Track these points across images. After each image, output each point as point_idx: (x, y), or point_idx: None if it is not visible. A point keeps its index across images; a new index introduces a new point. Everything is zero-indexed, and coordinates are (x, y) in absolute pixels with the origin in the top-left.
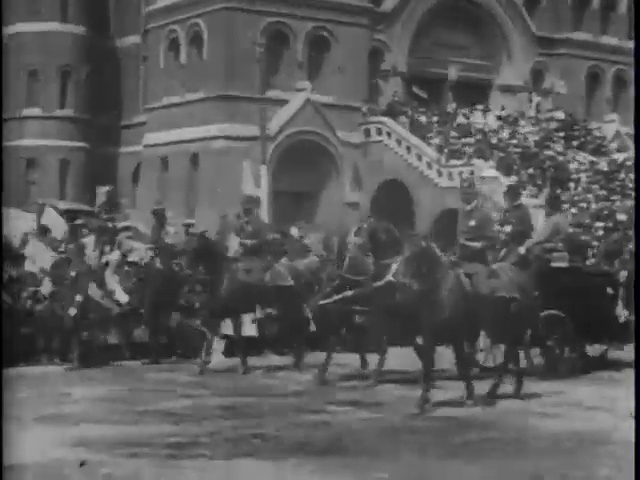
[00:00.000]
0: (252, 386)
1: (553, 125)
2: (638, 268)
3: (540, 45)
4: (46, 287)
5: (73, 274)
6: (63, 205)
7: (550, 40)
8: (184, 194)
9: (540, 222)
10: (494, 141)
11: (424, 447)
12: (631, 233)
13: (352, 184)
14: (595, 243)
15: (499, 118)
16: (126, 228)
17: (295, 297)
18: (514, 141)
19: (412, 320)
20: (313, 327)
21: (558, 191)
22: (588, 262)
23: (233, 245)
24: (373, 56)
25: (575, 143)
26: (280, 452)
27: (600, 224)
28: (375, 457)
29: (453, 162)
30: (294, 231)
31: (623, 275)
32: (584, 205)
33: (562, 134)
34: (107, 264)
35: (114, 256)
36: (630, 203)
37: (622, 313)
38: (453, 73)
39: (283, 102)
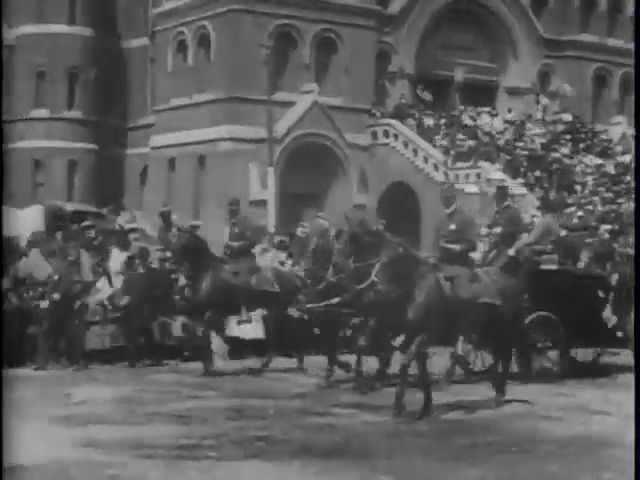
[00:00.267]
0: (258, 388)
1: (560, 127)
2: (638, 268)
3: (547, 47)
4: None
5: (56, 277)
6: (70, 207)
7: (557, 42)
8: (191, 196)
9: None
10: (501, 143)
11: (428, 450)
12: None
13: (359, 186)
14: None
15: (506, 120)
16: (133, 230)
17: (280, 303)
18: (521, 144)
19: (391, 324)
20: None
21: (565, 194)
22: (580, 264)
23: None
24: (380, 58)
25: (582, 145)
26: (285, 454)
27: (607, 227)
28: (380, 460)
29: (460, 164)
30: (300, 232)
31: (615, 278)
32: (590, 208)
33: (569, 136)
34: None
35: (121, 257)
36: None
37: (611, 317)
38: (460, 75)
39: (290, 104)
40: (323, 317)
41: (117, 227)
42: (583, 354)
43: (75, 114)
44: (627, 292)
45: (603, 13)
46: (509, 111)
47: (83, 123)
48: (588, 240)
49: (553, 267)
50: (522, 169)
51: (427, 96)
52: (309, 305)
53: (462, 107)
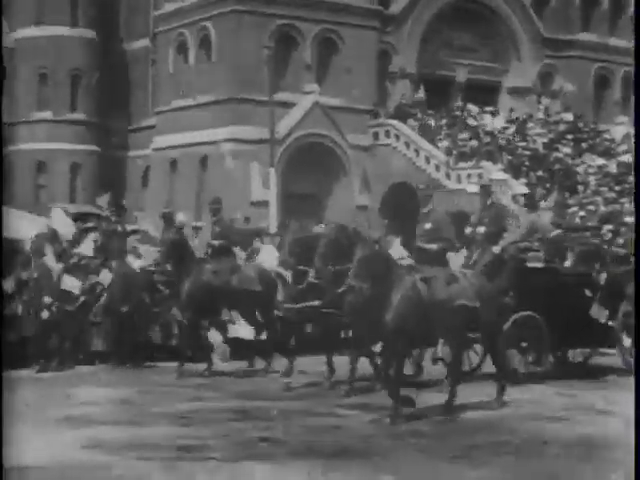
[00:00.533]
0: (261, 389)
1: (562, 127)
2: (638, 269)
3: (548, 47)
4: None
5: (35, 275)
6: (73, 208)
7: (558, 42)
8: (193, 197)
9: (546, 223)
10: (503, 143)
11: (431, 451)
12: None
13: (361, 187)
14: (604, 247)
15: (507, 120)
16: (135, 231)
17: (262, 302)
18: (523, 143)
19: (366, 326)
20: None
21: (566, 194)
22: (566, 263)
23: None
24: (381, 58)
25: (584, 145)
26: (288, 455)
27: (609, 227)
28: (383, 460)
29: (462, 165)
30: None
31: (603, 277)
32: (593, 208)
33: (571, 136)
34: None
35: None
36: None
37: (602, 315)
38: (462, 75)
39: (291, 105)
40: (300, 318)
41: (119, 228)
42: (572, 355)
43: (77, 116)
44: (616, 291)
45: (605, 12)
46: (511, 111)
47: (85, 125)
48: (577, 238)
49: (539, 265)
50: (524, 169)
51: (420, 95)
52: (286, 306)
53: (461, 103)
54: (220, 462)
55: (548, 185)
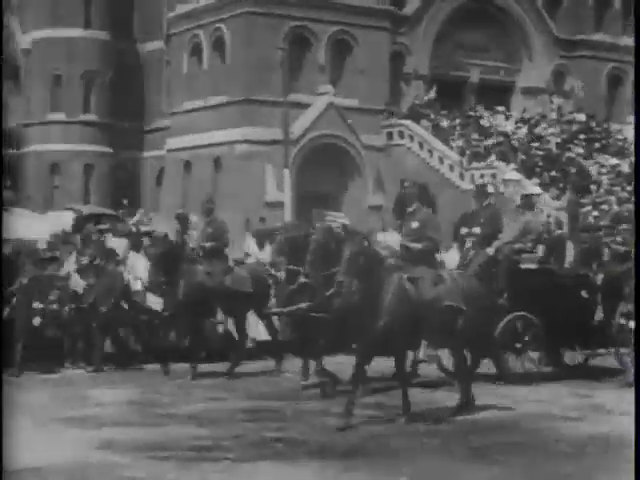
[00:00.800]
0: (275, 389)
1: (575, 127)
2: (638, 268)
3: (561, 47)
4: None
5: (25, 281)
6: (87, 209)
7: (571, 42)
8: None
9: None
10: (516, 144)
11: (446, 450)
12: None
13: (375, 187)
14: (616, 247)
15: (521, 120)
16: (148, 232)
17: (255, 303)
18: (536, 143)
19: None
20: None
21: (579, 194)
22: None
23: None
24: (395, 59)
25: (597, 145)
26: (303, 455)
27: (625, 226)
28: (398, 460)
29: (475, 165)
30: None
31: (600, 278)
32: (606, 207)
33: (583, 136)
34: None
35: (142, 261)
36: None
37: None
38: (475, 76)
39: (305, 106)
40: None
41: (133, 229)
42: (570, 356)
43: (91, 117)
44: (613, 291)
45: (617, 12)
46: (524, 111)
47: (99, 126)
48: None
49: (533, 266)
50: (537, 169)
51: (431, 95)
52: (274, 310)
53: (474, 104)
54: (234, 462)
55: (561, 185)
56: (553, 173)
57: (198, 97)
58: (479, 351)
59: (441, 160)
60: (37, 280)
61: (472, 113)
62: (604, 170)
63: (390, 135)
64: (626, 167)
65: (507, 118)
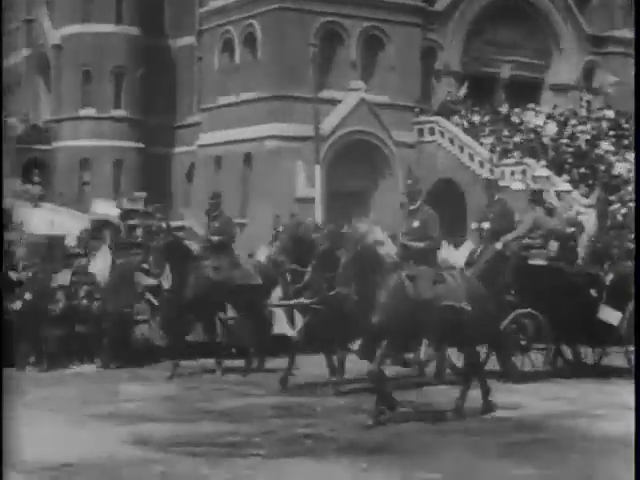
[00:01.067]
0: (305, 386)
1: (604, 124)
2: (638, 269)
3: (591, 43)
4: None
5: (30, 274)
6: (117, 205)
7: (600, 38)
8: (238, 194)
9: (592, 222)
10: (546, 140)
11: (475, 448)
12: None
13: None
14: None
15: (551, 117)
16: (180, 228)
17: (263, 297)
18: (565, 140)
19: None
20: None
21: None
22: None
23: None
24: (426, 55)
25: (626, 142)
26: (332, 452)
27: None
28: (427, 457)
29: (505, 161)
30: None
31: (609, 278)
32: (634, 205)
33: (612, 133)
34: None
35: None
36: None
37: (612, 316)
38: (506, 72)
39: (336, 102)
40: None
41: (163, 225)
42: (583, 355)
43: (122, 113)
44: (622, 290)
45: None
46: (554, 107)
47: (130, 122)
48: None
49: (541, 263)
50: (567, 166)
51: (462, 91)
52: (276, 303)
53: (504, 101)
54: (264, 458)
55: (590, 182)
56: (582, 170)
57: (229, 93)
58: (477, 352)
59: (471, 157)
60: (77, 275)
61: (502, 110)
62: (633, 167)
63: (421, 132)
64: None
65: (537, 115)
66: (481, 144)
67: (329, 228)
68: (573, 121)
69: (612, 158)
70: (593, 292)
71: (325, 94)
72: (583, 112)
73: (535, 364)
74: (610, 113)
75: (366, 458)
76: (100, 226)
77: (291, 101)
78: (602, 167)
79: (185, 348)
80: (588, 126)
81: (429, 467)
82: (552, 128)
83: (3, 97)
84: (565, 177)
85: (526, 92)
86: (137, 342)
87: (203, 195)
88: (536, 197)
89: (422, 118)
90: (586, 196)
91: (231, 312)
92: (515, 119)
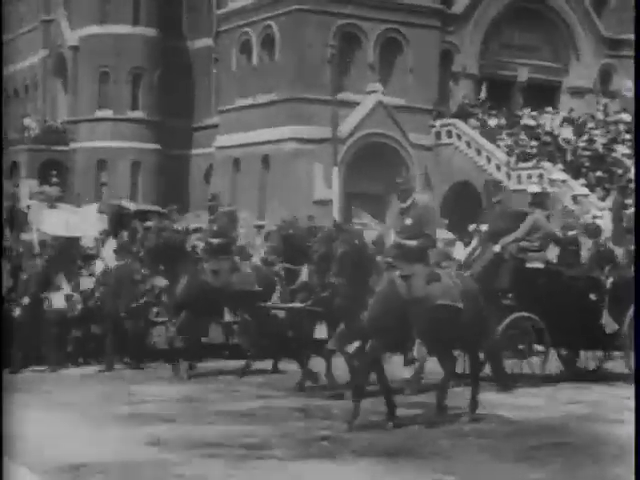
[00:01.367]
0: (321, 387)
1: (621, 127)
2: (638, 269)
3: (608, 46)
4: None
5: (25, 277)
6: (134, 206)
7: (618, 41)
8: (256, 196)
9: (608, 225)
10: (563, 144)
11: (493, 451)
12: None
13: (423, 186)
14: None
15: (568, 120)
16: (197, 230)
17: (262, 302)
18: (583, 144)
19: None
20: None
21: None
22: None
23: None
24: (443, 58)
25: None
26: (350, 454)
27: None
28: (444, 460)
29: (522, 165)
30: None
31: (609, 282)
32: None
33: (629, 137)
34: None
35: None
36: None
37: (610, 325)
38: (523, 75)
39: (354, 104)
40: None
41: (180, 227)
42: (584, 360)
43: (139, 114)
44: (622, 295)
45: None
46: (571, 111)
47: (147, 123)
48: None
49: (539, 266)
50: (583, 169)
51: (482, 94)
52: (267, 304)
53: (522, 104)
54: (281, 460)
55: (607, 186)
56: (599, 173)
57: (247, 95)
58: (475, 352)
59: (489, 160)
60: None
61: (520, 112)
62: None
63: (438, 134)
64: None
65: (554, 118)
66: (498, 147)
67: (324, 232)
68: (590, 124)
69: (629, 162)
70: (593, 296)
71: (343, 96)
72: (600, 115)
73: (534, 368)
74: (627, 116)
75: (384, 460)
76: (117, 226)
77: (309, 103)
78: (619, 171)
79: (201, 350)
80: (605, 129)
81: (445, 469)
82: (569, 131)
83: (17, 98)
84: (582, 181)
85: (543, 95)
86: (154, 343)
87: (221, 197)
88: (536, 200)
89: (439, 121)
90: (603, 200)
91: (228, 316)
92: (531, 122)
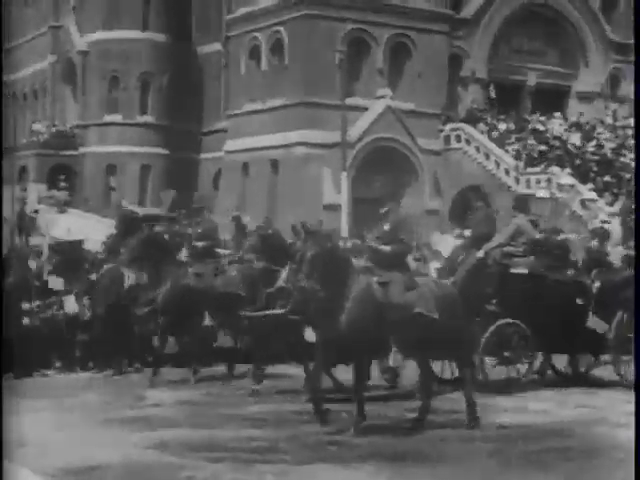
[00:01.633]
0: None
1: (629, 132)
2: (638, 270)
3: (616, 51)
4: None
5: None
6: (142, 211)
7: (626, 46)
8: (265, 200)
9: (617, 230)
10: (571, 148)
11: (500, 455)
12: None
13: (432, 191)
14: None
15: (576, 125)
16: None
17: (246, 305)
18: (591, 148)
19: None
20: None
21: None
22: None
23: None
24: (452, 62)
25: None
26: (357, 458)
27: None
28: (453, 464)
29: (531, 169)
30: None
31: (596, 286)
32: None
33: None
34: None
35: None
36: None
37: (600, 326)
38: (532, 80)
39: (363, 109)
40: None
41: (188, 231)
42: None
43: (148, 119)
44: (609, 299)
45: None
46: (580, 115)
47: (156, 128)
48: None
49: (524, 271)
50: (592, 174)
51: (491, 93)
52: (247, 314)
53: (531, 109)
54: (289, 464)
55: (615, 191)
56: (607, 178)
57: (256, 99)
58: (455, 360)
59: (497, 164)
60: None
61: (528, 117)
62: None
63: (447, 139)
64: None
65: (563, 123)
66: (507, 152)
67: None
68: (599, 129)
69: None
70: (580, 300)
71: (352, 101)
72: (609, 120)
73: (520, 374)
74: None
75: (391, 465)
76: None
77: (318, 108)
78: (627, 176)
79: (206, 354)
80: (613, 134)
81: (454, 474)
82: (577, 136)
83: (26, 103)
84: (590, 185)
85: (552, 100)
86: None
87: (229, 201)
88: (519, 204)
89: (448, 125)
90: (611, 205)
91: (208, 320)
92: (540, 127)
